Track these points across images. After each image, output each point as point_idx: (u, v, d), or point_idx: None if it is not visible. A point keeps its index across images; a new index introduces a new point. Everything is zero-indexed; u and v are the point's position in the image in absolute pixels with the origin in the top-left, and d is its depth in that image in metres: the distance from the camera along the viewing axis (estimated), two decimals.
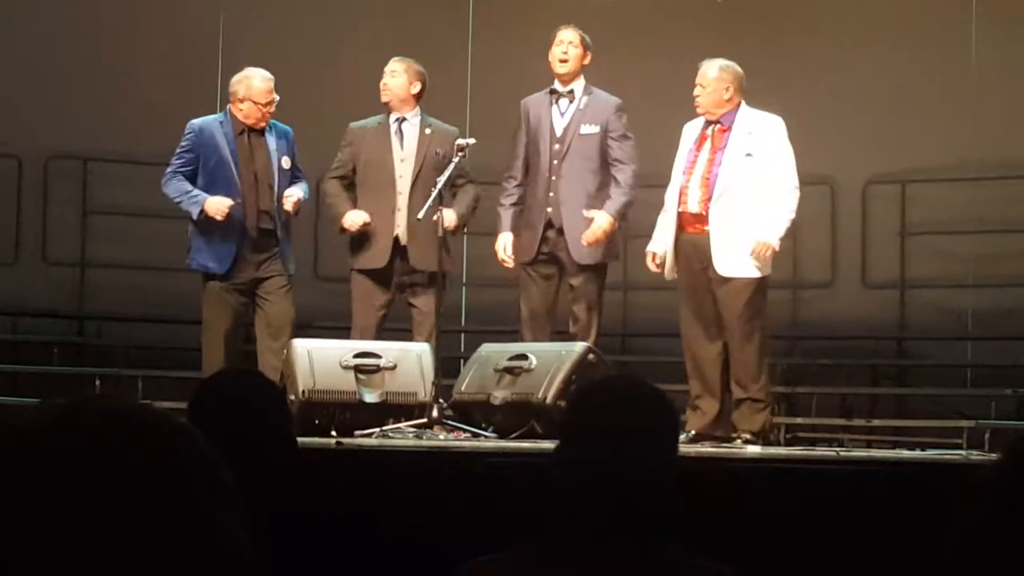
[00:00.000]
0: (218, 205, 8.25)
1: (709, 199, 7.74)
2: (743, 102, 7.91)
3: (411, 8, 11.82)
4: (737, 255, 7.69)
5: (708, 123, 7.91)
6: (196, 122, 8.55)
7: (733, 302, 7.73)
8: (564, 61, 8.32)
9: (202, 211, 8.29)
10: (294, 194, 8.42)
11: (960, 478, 5.73)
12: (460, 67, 11.62)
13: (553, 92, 8.37)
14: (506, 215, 8.37)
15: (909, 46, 11.41)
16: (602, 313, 8.34)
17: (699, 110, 7.92)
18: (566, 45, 8.33)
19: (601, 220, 8.12)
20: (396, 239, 8.43)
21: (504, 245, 8.35)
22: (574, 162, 8.22)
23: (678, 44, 10.62)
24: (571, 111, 8.30)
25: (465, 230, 9.14)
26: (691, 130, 8.02)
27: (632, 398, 2.70)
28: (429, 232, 8.17)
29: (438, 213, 7.97)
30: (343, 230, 8.56)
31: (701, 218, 7.77)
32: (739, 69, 7.94)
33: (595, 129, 8.25)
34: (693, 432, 7.72)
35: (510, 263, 8.36)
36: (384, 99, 8.60)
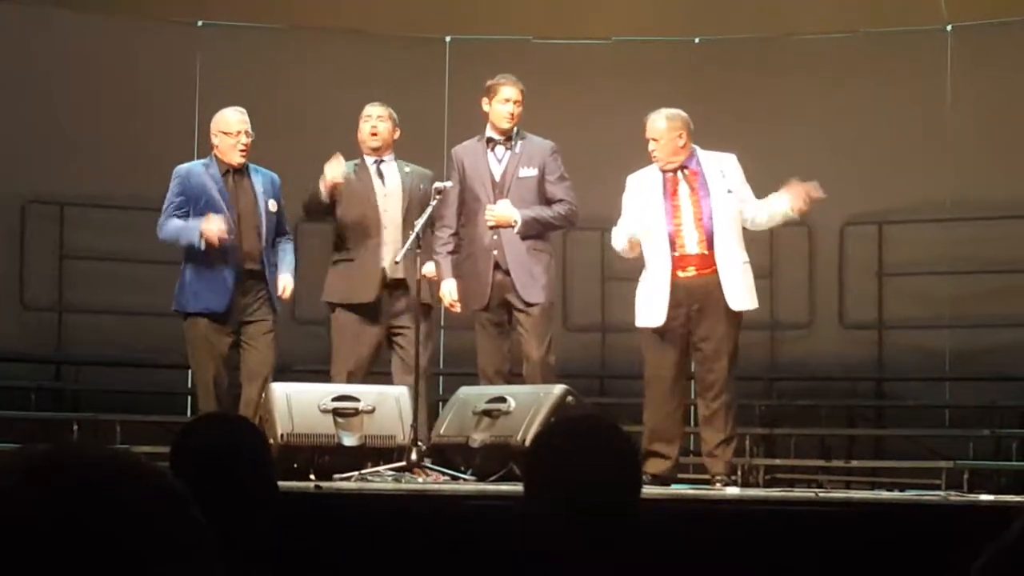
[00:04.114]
0: (217, 223, 8.13)
1: (709, 240, 7.74)
2: (695, 145, 7.94)
3: (389, 53, 11.84)
4: (743, 289, 7.79)
5: (671, 171, 7.88)
6: (182, 167, 8.50)
7: (726, 344, 7.75)
8: (511, 118, 8.34)
9: (201, 236, 8.16)
10: (286, 282, 8.37)
11: (939, 519, 5.73)
12: (437, 113, 11.63)
13: (489, 140, 8.40)
14: (445, 262, 8.38)
15: (885, 87, 11.47)
16: (554, 350, 8.27)
17: (658, 164, 7.89)
18: (512, 105, 8.34)
19: (503, 209, 8.19)
20: (383, 273, 8.43)
21: (450, 291, 8.35)
22: (514, 204, 8.24)
23: (654, 87, 10.63)
24: (507, 156, 8.35)
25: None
26: (643, 180, 7.96)
27: (588, 439, 2.68)
28: (413, 264, 8.22)
29: (417, 255, 7.99)
30: (329, 188, 8.36)
31: (705, 259, 7.75)
32: (685, 114, 7.98)
33: (533, 172, 8.32)
34: (650, 476, 7.68)
35: (458, 307, 8.37)
36: (375, 144, 8.59)
